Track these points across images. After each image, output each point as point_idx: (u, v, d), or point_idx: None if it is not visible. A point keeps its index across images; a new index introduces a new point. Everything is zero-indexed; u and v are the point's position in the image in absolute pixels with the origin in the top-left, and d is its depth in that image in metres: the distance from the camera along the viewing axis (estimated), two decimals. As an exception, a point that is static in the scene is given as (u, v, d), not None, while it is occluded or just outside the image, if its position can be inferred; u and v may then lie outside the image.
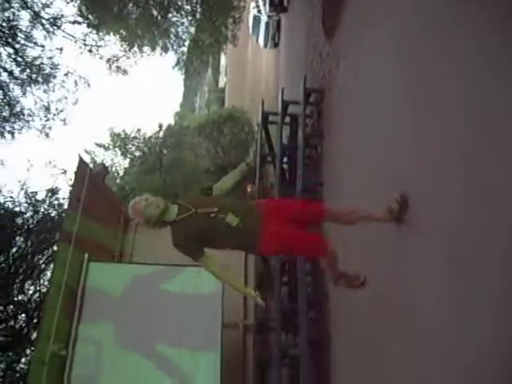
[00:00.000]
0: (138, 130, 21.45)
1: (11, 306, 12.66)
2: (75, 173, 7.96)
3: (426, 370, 3.34)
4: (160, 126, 21.16)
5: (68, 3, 14.42)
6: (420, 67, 4.13)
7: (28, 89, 14.47)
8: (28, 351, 12.65)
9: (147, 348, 6.72)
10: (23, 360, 12.86)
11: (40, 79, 14.63)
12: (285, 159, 8.47)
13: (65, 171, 15.19)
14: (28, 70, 14.23)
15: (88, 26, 15.48)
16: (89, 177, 8.01)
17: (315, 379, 6.07)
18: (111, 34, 16.55)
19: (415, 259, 3.68)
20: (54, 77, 15.18)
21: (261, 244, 3.75)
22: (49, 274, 11.97)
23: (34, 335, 11.90)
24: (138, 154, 21.17)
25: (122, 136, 21.51)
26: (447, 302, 3.13)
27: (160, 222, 3.79)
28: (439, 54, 3.74)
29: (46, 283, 12.69)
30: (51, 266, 11.56)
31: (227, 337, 7.10)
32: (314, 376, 6.08)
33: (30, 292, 13.23)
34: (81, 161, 8.09)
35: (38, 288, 13.22)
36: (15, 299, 12.78)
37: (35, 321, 12.46)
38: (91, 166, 8.57)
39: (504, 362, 2.51)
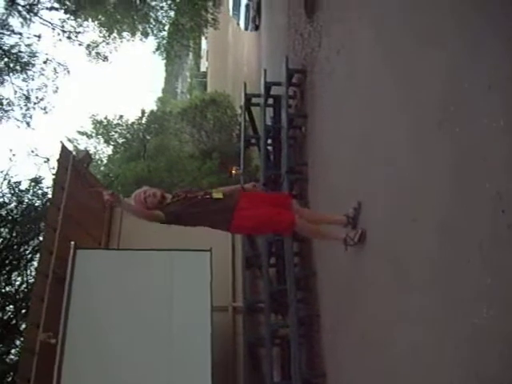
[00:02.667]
0: (121, 117, 21.35)
1: (-1, 298, 12.58)
2: (58, 161, 7.87)
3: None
4: (142, 112, 21.07)
5: (44, -11, 14.24)
6: (402, 46, 4.13)
7: (6, 78, 14.27)
8: (18, 342, 12.59)
9: (138, 332, 6.71)
10: (13, 351, 12.82)
11: (18, 68, 14.42)
12: (269, 141, 8.45)
13: (47, 160, 15.05)
14: (5, 59, 14.00)
15: (65, 12, 15.26)
16: (72, 164, 7.93)
17: (306, 357, 6.13)
18: (89, 19, 16.34)
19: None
20: (33, 65, 14.96)
21: (236, 218, 4.30)
22: (36, 264, 11.87)
23: (23, 326, 11.84)
24: (121, 140, 21.07)
25: (105, 123, 21.39)
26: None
27: (158, 209, 4.35)
28: (421, 33, 3.74)
29: (33, 273, 12.60)
30: (38, 255, 11.48)
31: (217, 319, 7.11)
32: (305, 354, 6.14)
33: (18, 283, 13.15)
34: (63, 148, 8.00)
35: (25, 278, 13.14)
36: (2, 291, 12.69)
37: (23, 311, 12.38)
38: (74, 153, 8.45)
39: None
